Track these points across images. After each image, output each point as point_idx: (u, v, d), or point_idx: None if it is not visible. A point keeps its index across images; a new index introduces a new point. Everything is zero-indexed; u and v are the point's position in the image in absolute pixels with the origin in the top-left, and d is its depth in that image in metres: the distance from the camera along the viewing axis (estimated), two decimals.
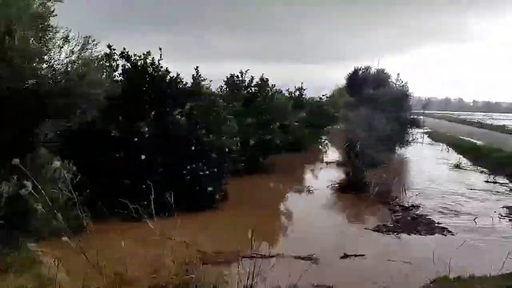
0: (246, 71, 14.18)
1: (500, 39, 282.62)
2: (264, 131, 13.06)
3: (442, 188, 12.32)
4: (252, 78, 14.36)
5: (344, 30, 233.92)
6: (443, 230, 8.08)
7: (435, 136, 29.81)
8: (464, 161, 18.35)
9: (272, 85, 20.02)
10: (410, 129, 20.71)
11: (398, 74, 51.36)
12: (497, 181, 13.30)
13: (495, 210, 9.62)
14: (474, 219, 8.85)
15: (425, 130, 35.86)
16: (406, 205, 9.91)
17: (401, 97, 19.77)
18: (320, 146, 21.63)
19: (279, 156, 15.49)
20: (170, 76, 8.67)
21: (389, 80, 25.94)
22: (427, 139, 29.27)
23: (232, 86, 14.12)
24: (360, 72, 26.52)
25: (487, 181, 13.29)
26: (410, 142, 20.59)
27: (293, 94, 24.32)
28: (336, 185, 11.66)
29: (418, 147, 24.29)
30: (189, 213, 8.37)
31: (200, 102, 8.91)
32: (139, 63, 8.59)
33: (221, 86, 14.57)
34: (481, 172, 15.13)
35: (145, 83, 8.40)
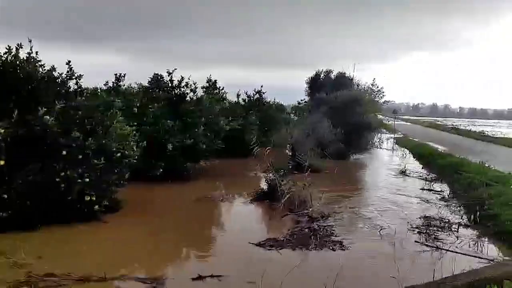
0: (173, 70, 13.32)
1: (486, 47, 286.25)
2: (187, 135, 12.23)
3: (371, 197, 11.62)
4: (182, 78, 13.52)
5: (333, 37, 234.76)
6: (335, 245, 7.33)
7: (402, 142, 29.19)
8: (417, 167, 17.76)
9: (220, 87, 19.53)
10: (369, 134, 20.07)
11: (374, 79, 50.85)
12: (433, 188, 12.63)
13: (409, 221, 8.90)
14: (379, 231, 8.12)
15: (395, 135, 35.57)
16: (317, 215, 9.14)
17: (354, 101, 19.04)
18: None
19: (224, 161, 14.76)
20: (41, 72, 7.84)
21: (354, 84, 25.53)
22: (393, 145, 28.63)
23: (157, 86, 13.26)
24: (322, 75, 26.11)
25: (422, 189, 12.61)
26: (367, 148, 19.95)
27: (251, 98, 23.69)
28: (257, 193, 10.84)
29: (379, 152, 23.70)
30: (60, 225, 7.59)
31: (77, 102, 8.05)
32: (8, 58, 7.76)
33: (143, 86, 13.71)
34: (423, 178, 14.45)
35: (11, 79, 7.56)
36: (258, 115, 21.52)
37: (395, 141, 30.34)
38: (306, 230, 8.08)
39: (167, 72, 13.40)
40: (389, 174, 15.55)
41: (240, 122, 18.30)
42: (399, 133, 41.39)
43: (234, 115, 18.78)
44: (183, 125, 12.51)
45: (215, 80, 19.25)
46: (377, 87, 49.64)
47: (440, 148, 24.83)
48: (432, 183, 13.61)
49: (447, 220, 8.92)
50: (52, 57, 9.35)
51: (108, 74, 28.77)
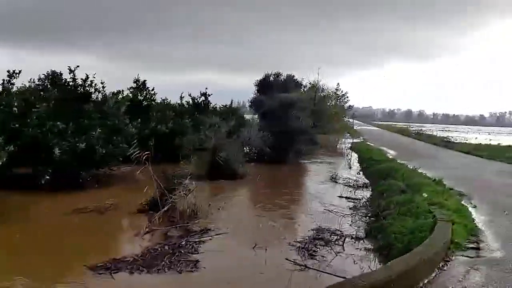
0: (75, 68, 12.12)
1: (461, 58, 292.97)
2: (81, 137, 11.03)
3: (278, 206, 10.61)
4: (87, 77, 12.33)
5: (308, 43, 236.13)
6: (188, 265, 6.27)
7: (357, 147, 28.50)
8: (355, 172, 16.94)
9: (151, 89, 18.37)
10: (309, 138, 19.19)
11: (338, 84, 50.13)
12: (351, 196, 11.75)
13: (299, 234, 7.93)
14: (253, 247, 7.11)
15: (355, 140, 35.01)
16: (196, 229, 8.08)
17: (291, 104, 18.11)
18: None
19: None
20: None
21: (302, 87, 24.71)
22: (345, 150, 27.94)
23: (52, 84, 12.01)
24: (271, 78, 25.19)
25: (340, 196, 11.70)
26: (307, 153, 19.04)
27: (196, 100, 22.64)
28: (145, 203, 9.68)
29: (327, 157, 22.92)
30: None
31: None
32: None
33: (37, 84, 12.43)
34: (350, 185, 13.57)
35: None
36: (201, 118, 20.49)
37: (350, 145, 29.65)
38: (167, 247, 6.98)
39: (68, 69, 12.22)
40: (318, 180, 14.64)
41: (169, 126, 17.22)
42: (361, 138, 41.04)
43: (170, 117, 17.79)
44: (78, 128, 11.31)
45: (144, 81, 18.20)
46: (341, 92, 50.05)
47: (392, 152, 24.22)
48: (356, 190, 12.75)
49: (340, 232, 7.97)
50: None
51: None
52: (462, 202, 9.70)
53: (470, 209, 9.13)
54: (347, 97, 48.32)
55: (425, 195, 9.90)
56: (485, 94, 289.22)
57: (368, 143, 32.59)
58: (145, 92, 17.89)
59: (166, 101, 20.91)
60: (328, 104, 47.97)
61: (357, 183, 14.11)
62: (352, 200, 11.20)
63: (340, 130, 41.56)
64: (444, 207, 8.47)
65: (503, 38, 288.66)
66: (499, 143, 38.79)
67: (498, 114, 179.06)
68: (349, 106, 49.96)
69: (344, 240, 7.47)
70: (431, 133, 52.31)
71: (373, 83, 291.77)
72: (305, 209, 10.41)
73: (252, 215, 9.83)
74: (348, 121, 52.60)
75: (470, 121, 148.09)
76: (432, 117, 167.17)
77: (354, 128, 59.17)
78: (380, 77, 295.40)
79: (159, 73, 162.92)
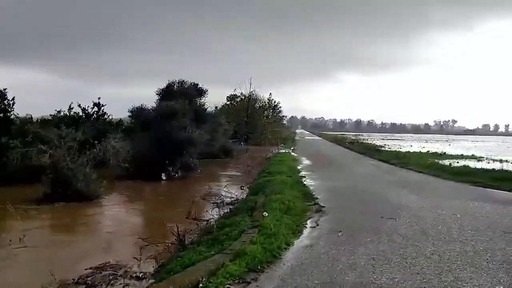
0: None
1: (408, 70, 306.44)
2: None
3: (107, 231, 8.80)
4: None
5: (269, 55, 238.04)
6: None
7: (272, 157, 27.16)
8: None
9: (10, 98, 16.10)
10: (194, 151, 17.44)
11: (270, 94, 49.29)
12: (201, 218, 10.10)
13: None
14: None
15: (280, 150, 33.82)
16: None
17: (173, 113, 16.38)
18: None
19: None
20: None
21: (202, 96, 23.18)
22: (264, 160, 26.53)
23: None
24: (175, 86, 23.48)
25: (187, 217, 10.01)
26: (194, 167, 17.29)
27: (86, 111, 20.54)
28: None
29: (234, 169, 21.36)
30: None
31: None
32: None
33: None
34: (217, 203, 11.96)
35: None
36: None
37: (269, 156, 28.32)
38: None
39: None
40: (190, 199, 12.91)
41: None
42: (292, 148, 40.05)
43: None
44: None
45: (5, 89, 15.94)
46: (274, 102, 49.28)
47: (307, 163, 23.19)
48: (221, 208, 11.14)
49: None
50: None
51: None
52: (308, 222, 8.30)
53: (307, 229, 7.71)
54: (280, 107, 47.41)
55: (265, 214, 8.44)
56: (431, 104, 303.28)
57: (292, 153, 31.50)
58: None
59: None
60: (265, 114, 47.11)
61: (232, 199, 12.52)
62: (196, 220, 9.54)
63: (272, 141, 40.40)
64: (265, 227, 7.02)
65: (447, 52, 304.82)
66: (428, 151, 39.39)
67: (442, 123, 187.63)
68: (282, 116, 49.00)
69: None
70: (367, 141, 52.50)
71: (326, 94, 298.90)
72: (120, 239, 8.59)
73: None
74: (294, 132, 52.32)
75: (416, 130, 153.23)
76: (380, 126, 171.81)
77: (296, 137, 58.67)
78: (333, 89, 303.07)
79: (107, 86, 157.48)
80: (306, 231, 7.57)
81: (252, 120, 43.02)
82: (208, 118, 21.46)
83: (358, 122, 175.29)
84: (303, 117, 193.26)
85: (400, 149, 41.64)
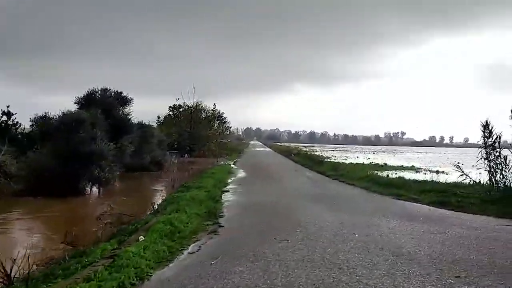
0: None
1: (360, 84, 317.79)
2: None
3: None
4: None
5: (216, 68, 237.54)
6: None
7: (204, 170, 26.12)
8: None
9: None
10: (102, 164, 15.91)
11: (214, 104, 48.24)
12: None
13: None
14: None
15: (220, 162, 32.74)
16: None
17: (78, 123, 14.86)
18: None
19: None
20: None
21: (127, 105, 21.79)
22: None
23: None
24: (98, 94, 21.90)
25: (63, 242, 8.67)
26: (104, 180, 15.79)
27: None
28: None
29: (158, 183, 20.03)
30: None
31: None
32: None
33: None
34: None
35: None
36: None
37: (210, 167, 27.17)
38: None
39: None
40: (84, 218, 11.54)
41: None
42: (235, 159, 39.09)
43: None
44: None
45: None
46: (218, 112, 48.30)
47: (242, 175, 22.31)
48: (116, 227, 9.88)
49: None
50: None
51: None
52: (190, 246, 7.24)
53: (183, 255, 6.63)
54: (225, 118, 46.49)
55: (142, 238, 7.31)
56: (382, 116, 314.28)
57: (233, 165, 30.54)
58: None
59: None
60: (213, 125, 45.97)
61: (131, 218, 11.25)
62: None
63: (216, 152, 39.26)
64: (122, 257, 5.85)
65: (398, 66, 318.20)
66: (371, 162, 39.85)
67: (391, 135, 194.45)
68: (227, 127, 48.07)
69: None
70: (316, 153, 52.48)
71: (281, 106, 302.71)
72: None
73: None
74: (248, 143, 51.70)
75: (367, 141, 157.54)
76: (333, 138, 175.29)
77: (246, 148, 57.81)
78: (288, 101, 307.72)
79: (62, 94, 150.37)
80: (178, 259, 6.49)
81: (195, 131, 41.68)
82: (132, 128, 20.01)
83: (312, 134, 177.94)
84: (258, 129, 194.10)
85: (345, 161, 41.87)
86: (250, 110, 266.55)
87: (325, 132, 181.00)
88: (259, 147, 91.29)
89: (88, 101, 20.70)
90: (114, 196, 16.14)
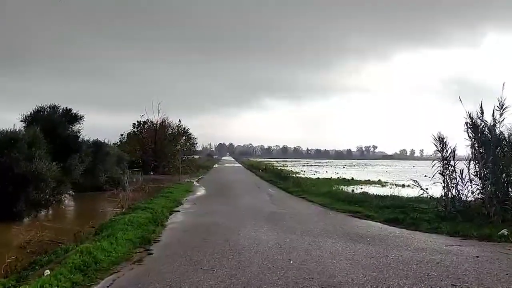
0: None
1: (330, 98, 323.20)
2: None
3: None
4: None
5: (181, 81, 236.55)
6: None
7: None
8: None
9: None
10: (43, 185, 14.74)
11: (180, 120, 47.26)
12: None
13: None
14: None
15: (183, 180, 31.81)
16: None
17: (9, 142, 13.69)
18: None
19: None
20: None
21: (77, 122, 20.75)
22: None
23: None
24: (46, 111, 20.75)
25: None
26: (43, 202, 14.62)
27: None
28: None
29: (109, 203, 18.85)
30: None
31: None
32: None
33: None
34: None
35: None
36: None
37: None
38: None
39: None
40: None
41: None
42: (200, 176, 38.17)
43: None
44: None
45: None
46: (184, 128, 47.34)
47: (202, 193, 21.50)
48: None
49: None
50: None
51: None
52: (104, 280, 6.40)
53: None
54: (190, 133, 45.56)
55: (47, 272, 6.41)
56: (354, 130, 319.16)
57: (195, 183, 29.65)
58: None
59: None
60: (178, 142, 44.91)
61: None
62: None
63: (182, 169, 38.16)
64: None
65: (367, 80, 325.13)
66: (339, 177, 39.89)
67: (363, 148, 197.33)
68: (193, 143, 47.07)
69: None
70: (285, 168, 52.09)
71: (254, 121, 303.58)
72: None
73: None
74: (219, 159, 50.84)
75: (339, 155, 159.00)
76: (306, 152, 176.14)
77: (216, 165, 56.88)
78: (260, 116, 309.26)
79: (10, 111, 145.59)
80: None
81: (159, 148, 40.54)
82: (81, 147, 18.92)
83: (285, 149, 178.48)
84: (231, 144, 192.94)
85: (313, 175, 41.66)
86: (223, 126, 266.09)
87: (298, 146, 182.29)
88: (231, 162, 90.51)
89: (35, 118, 19.50)
90: (58, 219, 15.01)
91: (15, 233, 11.70)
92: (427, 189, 13.40)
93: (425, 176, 17.97)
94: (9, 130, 13.74)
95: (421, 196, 14.33)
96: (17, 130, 14.17)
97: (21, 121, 19.18)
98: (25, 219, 14.05)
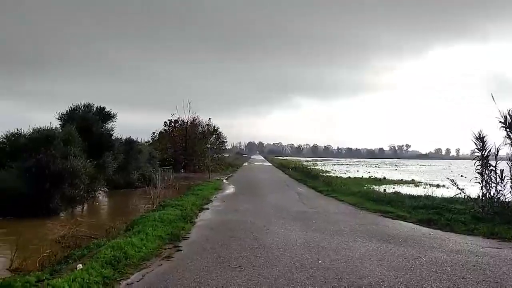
0: None
1: (362, 97, 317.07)
2: None
3: None
4: None
5: (214, 82, 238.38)
6: None
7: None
8: None
9: None
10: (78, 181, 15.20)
11: (210, 119, 47.60)
12: None
13: None
14: None
15: (213, 178, 32.06)
16: None
17: (45, 140, 14.17)
18: None
19: None
20: None
21: (110, 121, 21.24)
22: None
23: None
24: (81, 109, 21.39)
25: None
26: (77, 198, 15.09)
27: None
28: None
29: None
30: None
31: None
32: None
33: None
34: None
35: None
36: None
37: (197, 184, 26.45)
38: None
39: None
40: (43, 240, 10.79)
41: None
42: (230, 174, 38.38)
43: None
44: None
45: None
46: (214, 127, 47.67)
47: (231, 191, 21.57)
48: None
49: None
50: None
51: None
52: (134, 275, 6.51)
53: (121, 286, 5.88)
54: (220, 132, 45.83)
55: (80, 266, 6.58)
56: (387, 129, 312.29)
57: (225, 181, 29.83)
58: None
59: None
60: (208, 140, 45.36)
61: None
62: None
63: (212, 167, 38.54)
64: None
65: (401, 77, 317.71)
66: (370, 176, 39.10)
67: (396, 147, 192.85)
68: (222, 141, 47.33)
69: None
70: (316, 167, 51.57)
71: (284, 120, 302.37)
72: None
73: None
74: (250, 157, 51.27)
75: (370, 154, 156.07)
76: (336, 151, 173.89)
77: (246, 163, 57.14)
78: (290, 114, 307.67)
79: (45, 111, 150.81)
80: None
81: (190, 146, 41.05)
82: (114, 144, 19.39)
83: (315, 147, 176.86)
84: (261, 143, 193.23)
85: (343, 175, 41.02)
86: (253, 125, 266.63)
87: (328, 145, 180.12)
88: (260, 161, 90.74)
89: (70, 117, 20.15)
90: (92, 215, 15.47)
91: (50, 228, 12.11)
92: (463, 189, 12.91)
93: (461, 176, 17.26)
94: (45, 128, 14.20)
95: (456, 196, 13.82)
96: (53, 128, 14.59)
97: (57, 119, 19.83)
98: (60, 214, 14.54)
